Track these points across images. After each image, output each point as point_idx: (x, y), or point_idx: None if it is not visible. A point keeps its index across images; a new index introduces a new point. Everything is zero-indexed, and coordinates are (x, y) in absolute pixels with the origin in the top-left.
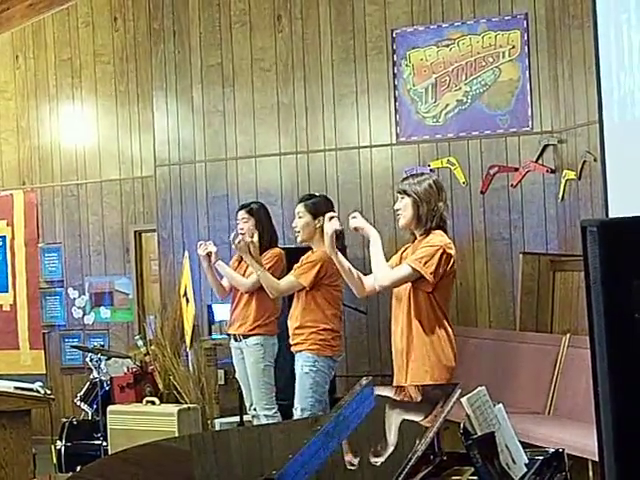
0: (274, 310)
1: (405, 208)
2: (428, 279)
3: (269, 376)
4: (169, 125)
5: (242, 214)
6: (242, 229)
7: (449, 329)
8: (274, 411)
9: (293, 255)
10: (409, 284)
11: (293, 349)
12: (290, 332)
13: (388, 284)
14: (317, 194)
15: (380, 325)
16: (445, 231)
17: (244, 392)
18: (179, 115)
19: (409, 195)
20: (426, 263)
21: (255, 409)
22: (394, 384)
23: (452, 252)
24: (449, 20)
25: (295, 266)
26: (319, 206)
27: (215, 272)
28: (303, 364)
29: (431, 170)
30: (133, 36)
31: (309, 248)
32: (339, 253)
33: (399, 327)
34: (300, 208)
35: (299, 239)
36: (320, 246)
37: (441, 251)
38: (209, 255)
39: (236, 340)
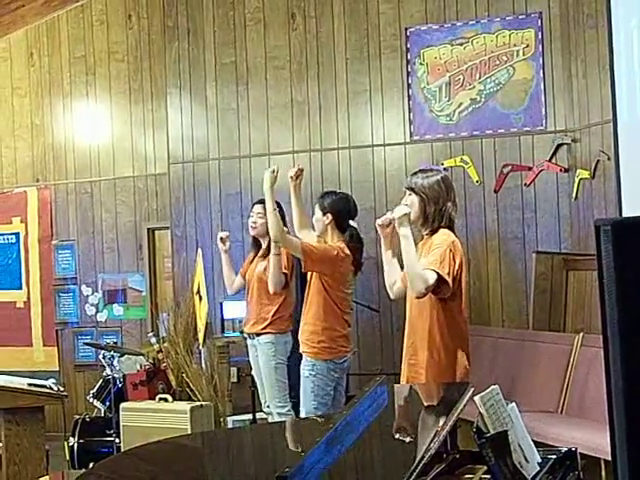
0: (286, 308)
1: (412, 205)
2: (447, 280)
3: (282, 374)
4: (183, 123)
5: (258, 208)
6: (255, 223)
7: (464, 336)
8: (287, 409)
9: None
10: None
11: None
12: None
13: (426, 288)
14: (337, 191)
15: (393, 323)
16: (453, 230)
17: (259, 389)
18: (193, 113)
19: (417, 193)
20: (441, 264)
21: (269, 406)
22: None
23: (458, 249)
24: (463, 19)
25: (310, 242)
26: (328, 203)
27: (230, 263)
28: (304, 367)
29: (445, 169)
30: (147, 34)
31: None
32: None
33: (412, 332)
34: (316, 205)
35: (316, 233)
36: (331, 242)
37: (448, 250)
38: (222, 241)
39: (250, 338)
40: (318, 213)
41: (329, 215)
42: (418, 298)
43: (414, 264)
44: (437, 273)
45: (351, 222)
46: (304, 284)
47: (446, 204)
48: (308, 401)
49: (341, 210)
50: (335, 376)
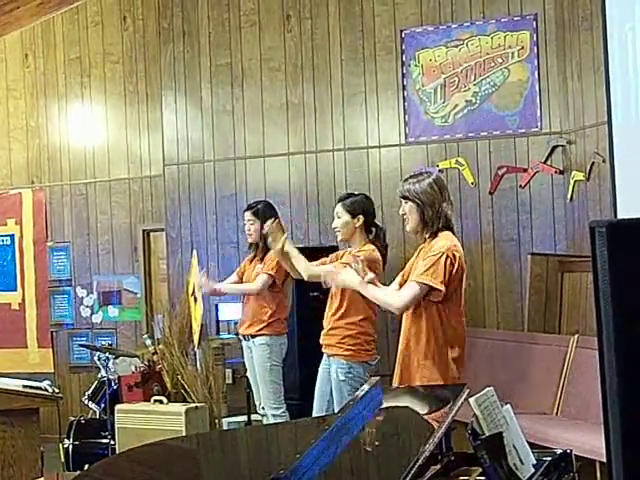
0: (282, 310)
1: (410, 213)
2: (440, 289)
3: (277, 376)
4: (178, 125)
5: (248, 215)
6: (249, 230)
7: (459, 339)
8: (282, 410)
9: (302, 253)
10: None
11: (325, 351)
12: (323, 332)
13: (402, 305)
14: (356, 192)
15: (388, 325)
16: (452, 230)
17: (254, 391)
18: (188, 115)
19: (411, 200)
20: (433, 274)
21: (263, 408)
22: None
23: (457, 253)
24: (458, 20)
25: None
26: (357, 204)
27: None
28: (338, 370)
29: (440, 171)
30: (142, 35)
31: (318, 249)
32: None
33: (406, 334)
34: (338, 208)
35: (339, 238)
36: (359, 245)
37: (444, 257)
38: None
39: (246, 339)
40: (345, 216)
41: (360, 217)
42: (402, 312)
43: (379, 297)
44: (424, 284)
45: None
46: (303, 288)
47: (442, 205)
48: None
49: (370, 209)
50: (366, 378)
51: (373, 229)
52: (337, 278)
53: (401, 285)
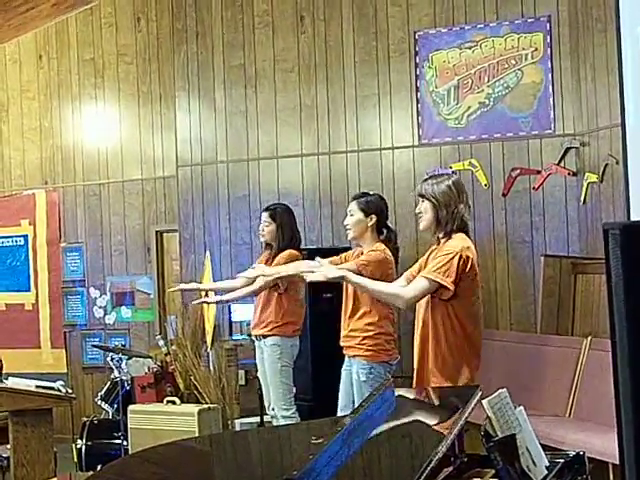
0: (293, 311)
1: (425, 212)
2: (449, 288)
3: (287, 377)
4: (191, 125)
5: (265, 217)
6: (262, 230)
7: (471, 340)
8: (292, 411)
9: (315, 255)
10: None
11: (345, 352)
12: (342, 334)
13: (410, 297)
14: (371, 192)
15: (401, 326)
16: (467, 232)
17: (264, 391)
18: (201, 115)
19: (428, 199)
20: (445, 272)
21: (273, 409)
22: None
23: (470, 255)
24: (472, 22)
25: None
26: (371, 204)
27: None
28: (359, 371)
29: (453, 172)
30: (156, 36)
31: (331, 250)
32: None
33: (418, 334)
34: (352, 206)
35: (350, 236)
36: (370, 245)
37: (457, 257)
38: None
39: (257, 340)
40: (358, 214)
41: (373, 216)
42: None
43: (379, 290)
44: (434, 280)
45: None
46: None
47: (458, 207)
48: None
49: (384, 210)
50: (388, 378)
51: (385, 230)
52: (319, 273)
53: (409, 281)
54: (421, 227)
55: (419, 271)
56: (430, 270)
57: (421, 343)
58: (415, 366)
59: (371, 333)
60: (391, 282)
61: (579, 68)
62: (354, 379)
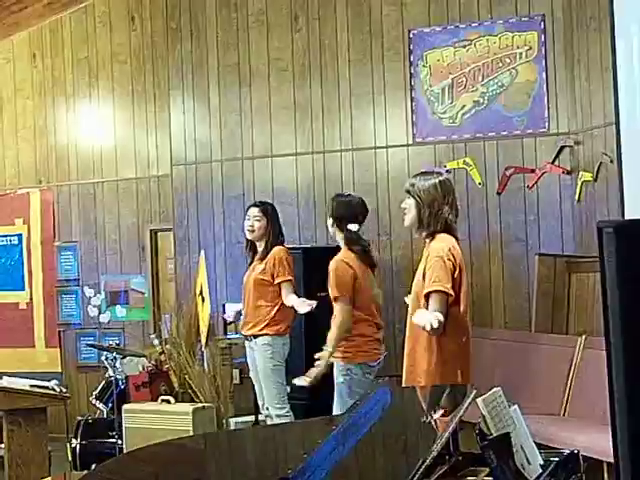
0: (283, 311)
1: (409, 209)
2: (452, 294)
3: (279, 375)
4: (185, 124)
5: (255, 212)
6: (252, 226)
7: (460, 343)
8: (285, 410)
9: (310, 254)
10: (422, 297)
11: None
12: None
13: (442, 320)
14: (344, 194)
15: (395, 325)
16: (452, 233)
17: (257, 391)
18: (195, 114)
19: (412, 196)
20: (442, 280)
21: (267, 408)
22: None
23: (454, 255)
24: (466, 21)
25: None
26: (336, 207)
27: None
28: (338, 373)
29: (447, 171)
30: (150, 35)
31: (326, 249)
32: None
33: (409, 335)
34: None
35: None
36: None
37: (443, 261)
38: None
39: (248, 340)
40: (329, 220)
41: (330, 219)
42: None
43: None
44: (441, 291)
45: (349, 226)
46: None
47: (442, 208)
48: (344, 407)
49: (343, 215)
50: (369, 379)
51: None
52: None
53: (417, 294)
54: (404, 224)
55: (422, 285)
56: (432, 282)
57: (414, 346)
58: (405, 368)
59: (347, 335)
60: (358, 290)
61: (573, 67)
62: (335, 381)
